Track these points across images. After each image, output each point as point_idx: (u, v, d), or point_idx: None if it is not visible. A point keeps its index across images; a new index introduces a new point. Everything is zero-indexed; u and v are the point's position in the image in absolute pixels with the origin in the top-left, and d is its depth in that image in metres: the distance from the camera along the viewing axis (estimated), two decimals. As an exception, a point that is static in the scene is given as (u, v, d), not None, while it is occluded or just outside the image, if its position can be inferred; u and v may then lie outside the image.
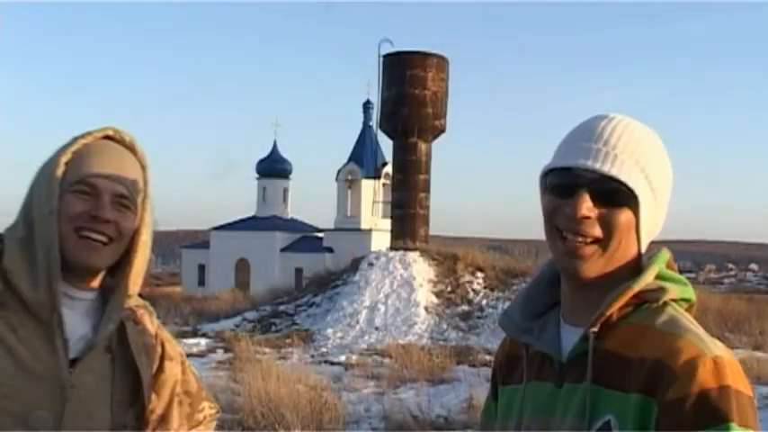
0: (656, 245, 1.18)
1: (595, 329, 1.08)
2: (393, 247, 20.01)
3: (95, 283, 1.42)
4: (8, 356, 1.27)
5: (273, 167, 47.51)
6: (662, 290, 1.10)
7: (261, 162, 47.86)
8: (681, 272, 1.13)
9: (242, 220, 46.99)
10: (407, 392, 9.68)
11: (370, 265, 18.42)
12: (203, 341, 14.85)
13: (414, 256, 18.67)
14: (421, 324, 15.83)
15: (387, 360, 12.42)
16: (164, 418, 1.50)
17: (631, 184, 1.08)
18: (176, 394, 1.53)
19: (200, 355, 13.44)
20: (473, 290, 17.38)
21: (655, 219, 1.14)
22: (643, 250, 1.14)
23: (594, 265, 1.10)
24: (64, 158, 1.35)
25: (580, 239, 1.09)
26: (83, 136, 1.40)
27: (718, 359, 1.01)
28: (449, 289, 17.53)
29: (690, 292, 1.13)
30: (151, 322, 1.53)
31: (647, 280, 1.09)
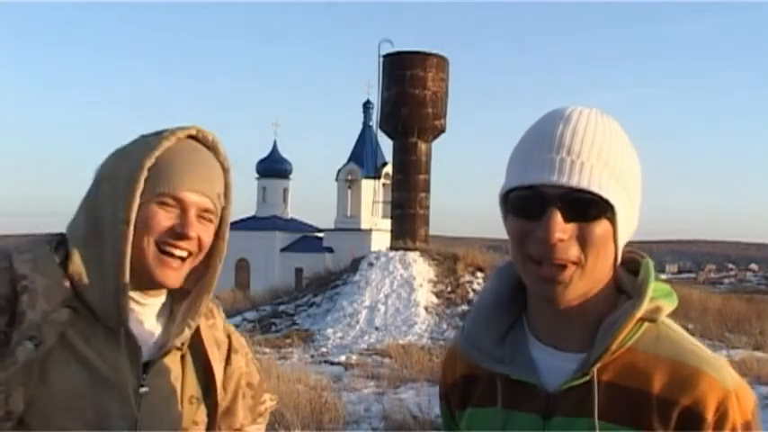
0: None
1: (598, 365, 1.01)
2: (393, 247, 20.00)
3: (164, 289, 1.38)
4: (83, 367, 1.24)
5: (273, 167, 47.53)
6: (658, 309, 1.04)
7: (261, 162, 47.88)
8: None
9: (242, 220, 46.94)
10: (407, 392, 9.68)
11: (370, 265, 18.41)
12: (203, 341, 14.85)
13: (414, 256, 18.67)
14: (421, 324, 15.82)
15: (387, 360, 12.42)
16: (229, 411, 1.47)
17: (604, 194, 0.97)
18: (240, 387, 1.50)
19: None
20: (473, 290, 17.37)
21: (631, 221, 1.04)
22: (619, 255, 1.05)
23: (575, 289, 1.00)
24: (148, 162, 1.27)
25: (557, 264, 0.98)
26: (166, 137, 1.31)
27: (739, 392, 0.99)
28: (449, 289, 17.52)
29: (675, 301, 1.07)
30: (219, 315, 1.51)
31: (647, 302, 1.02)
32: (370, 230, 40.03)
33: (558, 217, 0.97)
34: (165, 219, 1.28)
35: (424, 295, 17.02)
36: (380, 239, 32.12)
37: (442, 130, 21.51)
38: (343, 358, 13.04)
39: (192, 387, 1.38)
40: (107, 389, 1.25)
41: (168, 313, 1.39)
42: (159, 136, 1.32)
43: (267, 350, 13.48)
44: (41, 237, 1.32)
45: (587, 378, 1.01)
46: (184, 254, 1.31)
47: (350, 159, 43.29)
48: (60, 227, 1.35)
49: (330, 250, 39.00)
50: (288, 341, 14.81)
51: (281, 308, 18.32)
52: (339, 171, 43.60)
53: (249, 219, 46.97)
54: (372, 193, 41.54)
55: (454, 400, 1.21)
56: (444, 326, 15.78)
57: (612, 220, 0.99)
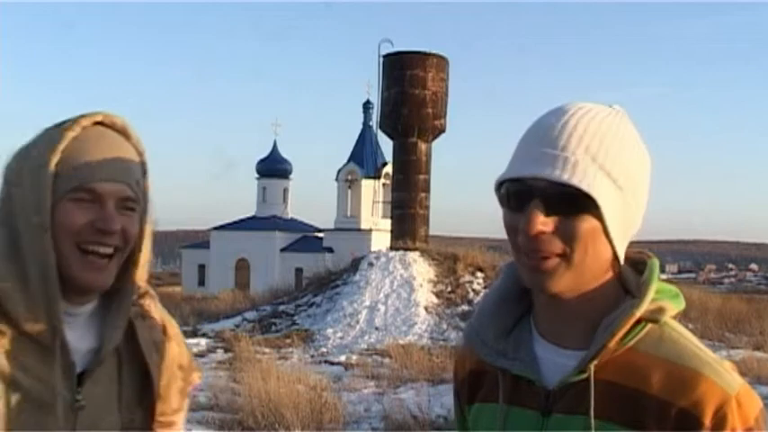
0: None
1: (596, 362, 1.00)
2: (393, 247, 20.00)
3: (95, 294, 1.28)
4: (12, 389, 1.14)
5: (273, 167, 47.55)
6: (661, 310, 1.02)
7: (261, 162, 47.91)
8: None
9: (242, 220, 47.01)
10: (407, 392, 9.68)
11: (370, 265, 18.42)
12: (203, 341, 14.83)
13: (414, 256, 18.67)
14: (421, 324, 15.82)
15: (387, 360, 12.42)
16: (162, 399, 1.37)
17: (586, 188, 0.96)
18: (173, 372, 1.40)
19: (200, 355, 13.42)
20: (473, 290, 17.37)
21: (628, 217, 1.01)
22: (620, 252, 1.03)
23: (562, 280, 0.99)
24: (53, 158, 1.16)
25: (539, 256, 0.98)
26: (69, 127, 1.19)
27: (740, 398, 0.96)
28: (449, 289, 17.52)
29: (682, 303, 1.04)
30: (156, 310, 1.40)
31: (648, 302, 1.00)
32: (370, 230, 40.05)
33: (539, 210, 0.97)
34: (81, 216, 1.17)
35: (424, 295, 17.02)
36: (380, 239, 32.13)
37: (442, 130, 21.51)
38: (343, 358, 13.04)
39: (130, 392, 1.31)
40: (41, 409, 1.17)
41: (100, 318, 1.28)
42: (61, 127, 1.20)
43: (267, 350, 13.47)
44: None
45: (585, 375, 1.00)
46: (110, 250, 1.19)
47: (350, 159, 43.31)
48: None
49: (330, 250, 39.00)
50: (288, 341, 14.81)
51: (281, 308, 18.31)
52: (339, 171, 43.61)
53: (249, 219, 47.00)
54: (372, 193, 41.54)
55: (464, 396, 1.21)
56: (444, 326, 15.78)
57: (599, 216, 0.97)
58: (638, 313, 0.99)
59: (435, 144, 21.70)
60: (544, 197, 0.97)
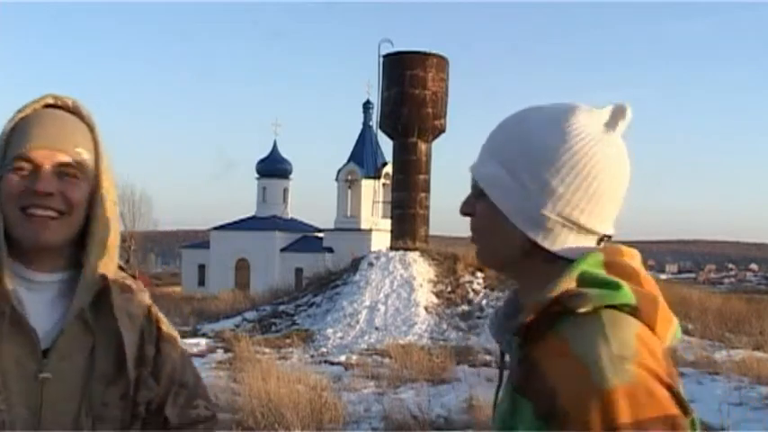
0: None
1: (517, 338, 1.06)
2: (393, 247, 19.99)
3: (59, 263, 1.32)
4: None
5: (273, 167, 47.57)
6: (580, 296, 1.01)
7: (261, 162, 47.92)
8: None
9: (242, 220, 47.01)
10: (407, 392, 9.68)
11: (370, 265, 18.41)
12: (203, 341, 14.83)
13: (414, 256, 18.66)
14: (421, 324, 15.82)
15: (387, 360, 12.41)
16: (159, 410, 1.37)
17: (473, 174, 1.12)
18: (173, 383, 1.40)
19: (200, 355, 13.42)
20: (473, 290, 17.37)
21: (530, 198, 1.05)
22: (536, 237, 1.06)
23: (485, 260, 1.17)
24: (4, 138, 1.28)
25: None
26: (22, 109, 1.31)
27: (609, 393, 0.92)
28: (449, 289, 17.52)
29: (621, 297, 1.01)
30: (142, 295, 1.42)
31: (559, 288, 1.01)
32: (370, 230, 40.05)
33: (470, 195, 1.13)
34: (21, 182, 1.26)
35: (424, 295, 17.02)
36: (380, 239, 32.14)
37: (442, 130, 21.51)
38: (343, 358, 13.04)
39: (103, 366, 1.31)
40: (5, 381, 1.21)
41: (68, 292, 1.32)
42: (16, 111, 1.31)
43: (267, 350, 13.46)
44: None
45: (522, 353, 1.07)
46: (51, 213, 1.26)
47: (350, 159, 43.32)
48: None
49: (330, 250, 39.00)
50: (288, 341, 14.80)
51: (281, 308, 18.31)
52: (339, 171, 43.62)
53: (249, 219, 47.01)
54: (372, 193, 41.56)
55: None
56: (444, 326, 15.78)
57: (487, 199, 1.09)
58: (543, 302, 1.02)
59: (435, 144, 21.73)
60: (472, 188, 1.13)
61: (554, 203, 1.05)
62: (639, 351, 0.96)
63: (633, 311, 1.01)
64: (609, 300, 1.01)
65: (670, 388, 0.95)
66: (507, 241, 1.09)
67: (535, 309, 1.03)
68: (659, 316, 1.03)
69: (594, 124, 1.07)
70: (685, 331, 16.04)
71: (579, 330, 1.00)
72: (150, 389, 1.35)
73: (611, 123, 1.08)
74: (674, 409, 0.94)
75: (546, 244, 1.07)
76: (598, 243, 1.09)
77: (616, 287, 1.02)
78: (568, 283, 1.02)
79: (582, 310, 1.00)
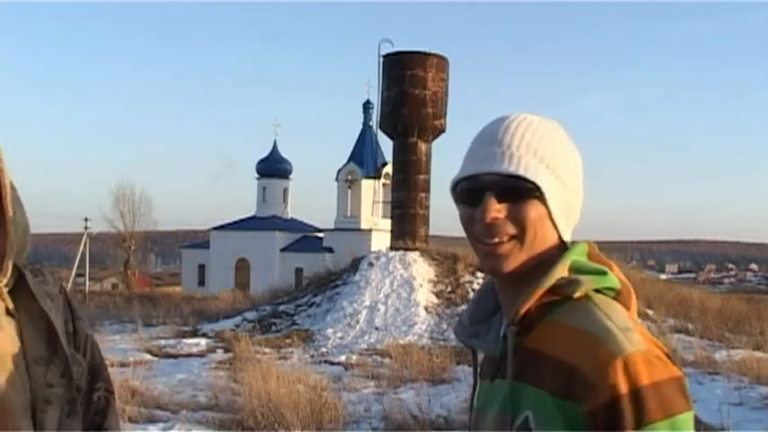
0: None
1: (513, 328, 1.11)
2: (393, 247, 19.98)
3: None
4: None
5: (273, 167, 47.58)
6: (575, 282, 1.10)
7: (261, 162, 47.93)
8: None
9: (242, 220, 47.01)
10: (407, 392, 9.67)
11: (370, 265, 18.41)
12: (203, 341, 14.83)
13: (414, 256, 18.66)
14: (421, 324, 15.81)
15: (387, 360, 12.41)
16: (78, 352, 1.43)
17: (531, 177, 1.10)
18: (94, 360, 1.45)
19: (200, 355, 13.43)
20: (473, 290, 17.35)
21: (568, 204, 1.15)
22: (566, 237, 1.16)
23: (515, 260, 1.12)
24: None
25: (496, 240, 1.12)
26: None
27: (629, 358, 1.00)
28: (449, 289, 17.52)
29: (609, 281, 1.12)
30: (51, 276, 1.46)
31: (556, 275, 1.10)
32: (370, 230, 40.06)
33: (494, 200, 1.11)
34: None
35: (424, 295, 17.02)
36: (380, 239, 32.14)
37: (442, 130, 21.50)
38: (343, 358, 13.04)
39: (35, 348, 1.33)
40: None
41: None
42: None
43: (267, 350, 13.47)
44: None
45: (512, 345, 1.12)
46: None
47: (350, 159, 43.32)
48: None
49: (330, 250, 39.01)
50: (288, 341, 14.80)
51: (281, 308, 18.31)
52: (339, 171, 43.62)
53: (249, 219, 47.01)
54: (372, 193, 41.57)
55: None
56: (444, 326, 15.76)
57: (543, 200, 1.11)
58: (546, 284, 1.10)
59: (435, 144, 21.72)
60: (496, 189, 1.11)
61: (579, 211, 1.19)
62: (635, 325, 1.07)
63: (616, 296, 1.13)
64: (599, 284, 1.12)
65: (668, 356, 1.05)
66: (546, 240, 1.14)
67: (536, 295, 1.10)
68: (632, 300, 1.14)
69: None
70: (685, 331, 16.02)
71: (578, 313, 1.09)
72: (80, 363, 1.41)
73: None
74: (680, 372, 1.04)
75: (570, 240, 1.17)
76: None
77: (603, 273, 1.13)
78: (562, 270, 1.11)
79: (577, 294, 1.10)
